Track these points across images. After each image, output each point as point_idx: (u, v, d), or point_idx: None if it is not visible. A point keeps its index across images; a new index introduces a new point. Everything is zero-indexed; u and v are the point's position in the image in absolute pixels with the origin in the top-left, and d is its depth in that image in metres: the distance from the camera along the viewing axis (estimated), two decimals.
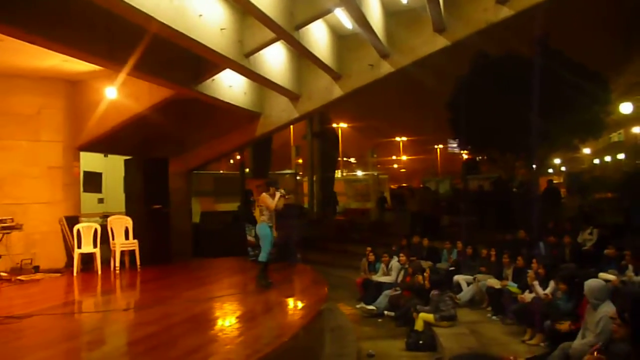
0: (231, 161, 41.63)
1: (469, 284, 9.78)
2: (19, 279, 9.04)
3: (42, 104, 10.51)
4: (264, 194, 8.29)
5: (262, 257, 8.21)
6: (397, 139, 54.44)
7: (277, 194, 8.24)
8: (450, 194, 25.32)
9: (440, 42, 9.77)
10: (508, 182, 21.44)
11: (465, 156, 41.48)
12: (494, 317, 8.70)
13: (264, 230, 8.23)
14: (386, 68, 10.35)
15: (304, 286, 8.85)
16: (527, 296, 7.79)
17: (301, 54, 10.14)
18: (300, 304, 7.41)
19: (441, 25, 9.53)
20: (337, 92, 10.98)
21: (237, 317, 6.60)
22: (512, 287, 8.56)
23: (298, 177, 27.77)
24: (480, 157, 35.00)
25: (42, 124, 10.51)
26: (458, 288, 9.82)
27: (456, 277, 10.01)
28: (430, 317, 7.98)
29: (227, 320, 6.54)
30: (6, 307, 7.46)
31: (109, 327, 6.65)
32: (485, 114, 23.97)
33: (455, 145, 45.31)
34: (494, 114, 23.61)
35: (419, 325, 7.97)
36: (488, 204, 16.43)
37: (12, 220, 9.12)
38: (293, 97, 11.36)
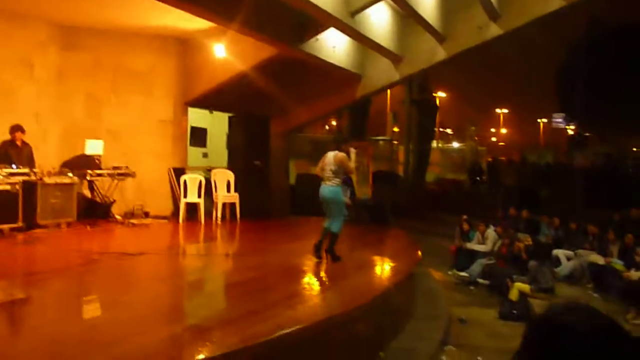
0: (326, 127, 41.98)
1: (569, 258, 9.39)
2: (131, 222, 9.76)
3: (155, 61, 11.06)
4: (341, 153, 6.53)
5: (336, 227, 6.65)
6: (497, 110, 52.17)
7: (353, 152, 6.79)
8: (552, 168, 24.15)
9: (555, 2, 9.20)
10: (620, 159, 20.09)
11: (570, 131, 39.28)
12: (594, 295, 8.32)
13: (338, 195, 6.60)
14: (494, 30, 9.89)
15: (397, 249, 8.86)
16: (634, 274, 7.40)
17: (406, 14, 9.95)
18: (393, 264, 7.44)
19: None
20: (440, 54, 10.67)
21: (330, 271, 6.73)
22: (617, 264, 8.14)
23: (394, 143, 27.51)
24: (588, 133, 33.03)
25: (155, 80, 11.07)
26: (557, 262, 9.46)
27: (556, 251, 9.64)
28: (526, 287, 7.78)
29: (321, 272, 6.73)
30: (121, 246, 8.18)
31: (210, 270, 7.08)
32: (597, 86, 22.50)
33: (560, 119, 42.97)
34: (608, 86, 22.11)
35: (513, 295, 7.80)
36: (596, 180, 15.59)
37: (127, 167, 9.79)
38: (395, 59, 11.20)
